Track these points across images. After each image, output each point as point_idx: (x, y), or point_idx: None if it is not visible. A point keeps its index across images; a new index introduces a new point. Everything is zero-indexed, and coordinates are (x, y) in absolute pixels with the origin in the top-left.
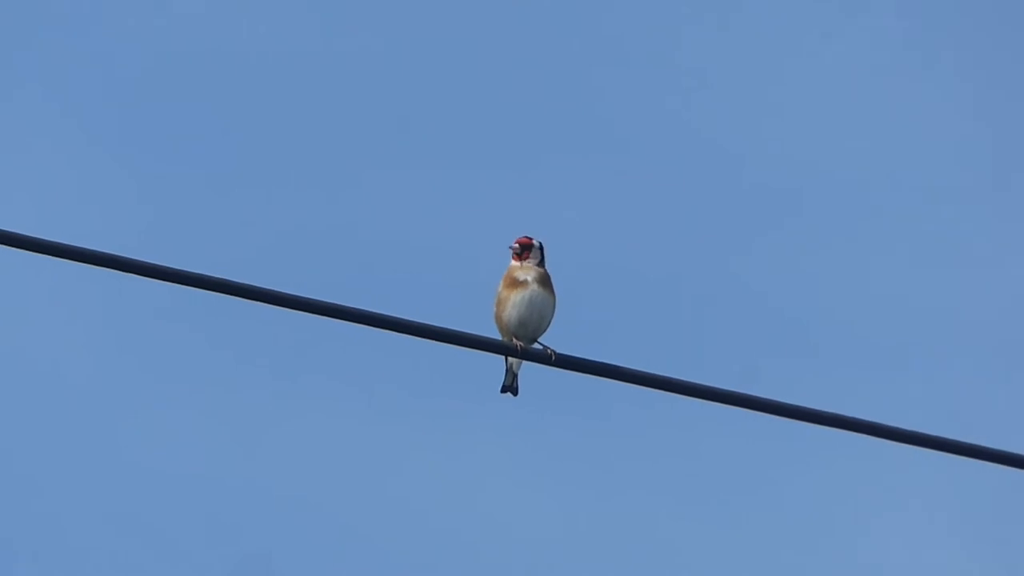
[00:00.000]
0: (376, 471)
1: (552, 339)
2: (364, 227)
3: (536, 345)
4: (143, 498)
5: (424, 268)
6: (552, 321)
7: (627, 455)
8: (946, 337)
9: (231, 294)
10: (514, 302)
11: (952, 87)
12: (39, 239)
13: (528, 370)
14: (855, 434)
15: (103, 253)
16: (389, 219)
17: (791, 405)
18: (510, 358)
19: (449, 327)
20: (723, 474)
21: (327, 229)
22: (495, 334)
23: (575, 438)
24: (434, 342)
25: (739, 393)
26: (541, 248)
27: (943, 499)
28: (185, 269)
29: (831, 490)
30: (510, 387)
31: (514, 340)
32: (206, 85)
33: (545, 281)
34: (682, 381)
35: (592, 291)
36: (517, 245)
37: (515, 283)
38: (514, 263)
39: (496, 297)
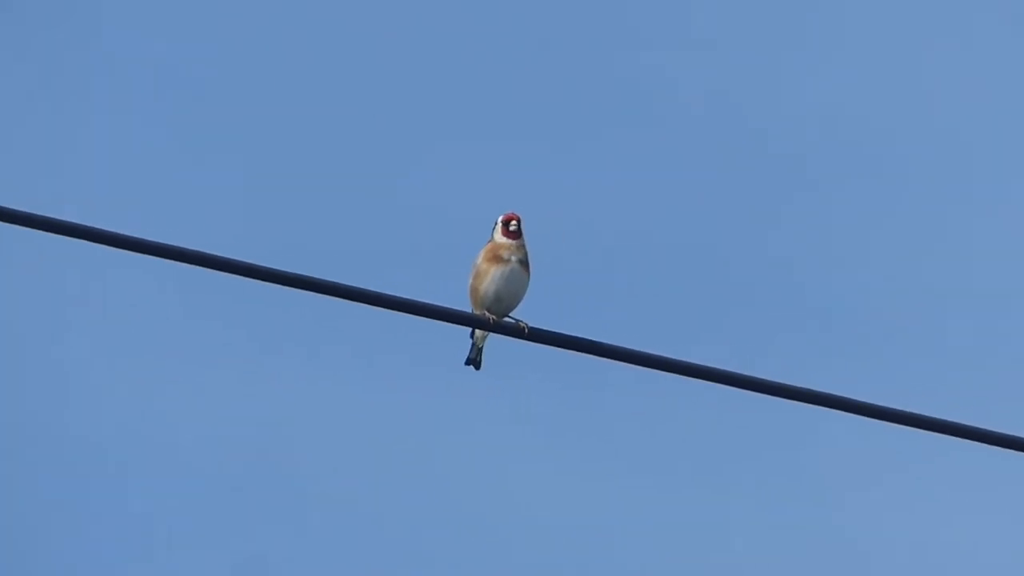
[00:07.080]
0: (336, 439)
1: (523, 313)
2: (331, 197)
3: (508, 319)
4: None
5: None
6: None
7: (600, 430)
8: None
9: (209, 267)
10: (494, 277)
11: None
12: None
13: (498, 343)
14: (842, 412)
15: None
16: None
17: (747, 377)
18: (477, 331)
19: (418, 299)
20: (699, 450)
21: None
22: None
23: (546, 412)
24: (404, 314)
25: (714, 368)
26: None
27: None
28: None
29: (806, 465)
30: (474, 360)
31: (486, 313)
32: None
33: (526, 260)
34: (657, 356)
35: (567, 265)
36: (515, 224)
37: (498, 258)
38: (500, 239)
39: (474, 268)
